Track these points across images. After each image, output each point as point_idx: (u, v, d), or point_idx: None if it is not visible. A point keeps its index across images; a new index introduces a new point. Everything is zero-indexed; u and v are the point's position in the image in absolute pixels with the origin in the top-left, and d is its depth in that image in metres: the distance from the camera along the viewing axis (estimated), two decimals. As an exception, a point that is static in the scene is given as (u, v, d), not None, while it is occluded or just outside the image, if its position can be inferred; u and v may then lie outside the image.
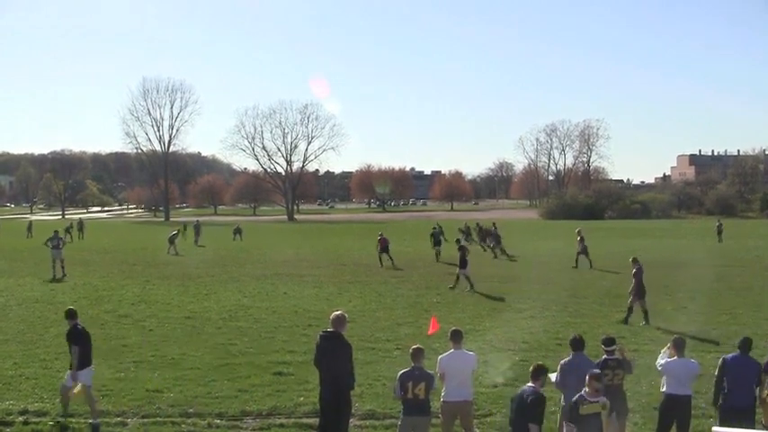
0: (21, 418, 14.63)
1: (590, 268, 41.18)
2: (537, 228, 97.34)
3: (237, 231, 72.91)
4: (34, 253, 47.85)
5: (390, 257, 44.43)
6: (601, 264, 41.94)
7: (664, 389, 12.33)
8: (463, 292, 32.38)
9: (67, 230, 71.98)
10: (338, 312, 12.46)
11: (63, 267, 39.38)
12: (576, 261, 42.34)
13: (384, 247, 45.30)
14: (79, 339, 14.64)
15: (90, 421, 14.31)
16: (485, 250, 51.93)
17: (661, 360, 12.53)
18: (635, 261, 25.93)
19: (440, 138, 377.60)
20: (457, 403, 11.98)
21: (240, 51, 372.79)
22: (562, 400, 12.11)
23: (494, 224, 56.47)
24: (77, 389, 14.54)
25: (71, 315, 14.85)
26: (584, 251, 42.71)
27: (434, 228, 54.14)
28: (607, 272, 39.23)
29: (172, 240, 55.86)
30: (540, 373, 10.91)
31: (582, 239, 43.08)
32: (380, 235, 47.33)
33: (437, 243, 49.24)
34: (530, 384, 10.79)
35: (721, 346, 19.50)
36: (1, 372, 18.19)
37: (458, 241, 39.10)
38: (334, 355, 12.02)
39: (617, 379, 11.91)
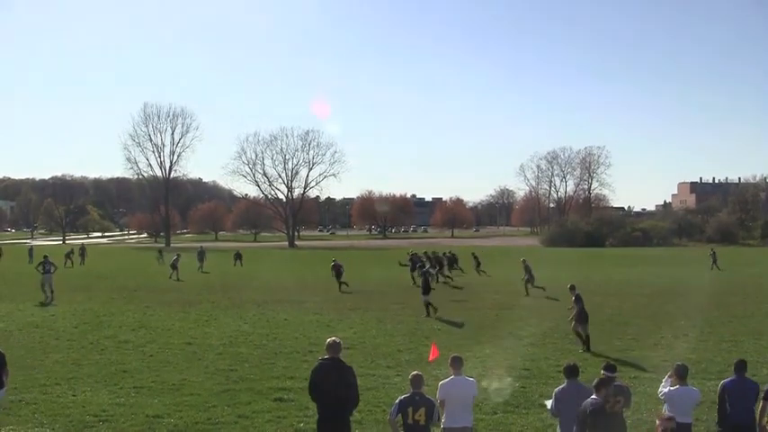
0: (21, 443, 14.64)
1: (525, 295, 41.59)
2: (537, 255, 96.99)
3: (238, 257, 72.95)
4: (35, 278, 47.85)
5: (344, 282, 46.08)
6: (602, 290, 41.98)
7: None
8: (420, 316, 32.89)
9: (68, 256, 72.32)
10: (332, 339, 12.44)
11: (52, 292, 39.78)
12: (526, 289, 42.51)
13: (338, 272, 47.11)
14: None
15: None
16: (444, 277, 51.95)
17: (663, 388, 12.57)
18: (572, 288, 26.24)
19: (441, 165, 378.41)
20: (457, 430, 11.95)
21: (241, 77, 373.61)
22: (558, 429, 12.10)
23: (450, 252, 59.10)
24: None
25: None
26: (531, 280, 43.02)
27: (410, 254, 54.74)
28: (609, 297, 39.29)
29: (174, 265, 56.08)
30: (601, 384, 11.14)
31: (528, 268, 43.44)
32: (334, 261, 49.00)
33: (413, 269, 49.56)
34: (593, 397, 10.95)
35: (723, 374, 19.44)
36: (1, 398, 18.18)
37: (421, 266, 39.41)
38: (336, 379, 11.96)
39: (618, 406, 11.87)
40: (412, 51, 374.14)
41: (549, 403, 12.26)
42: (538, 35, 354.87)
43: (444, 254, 57.71)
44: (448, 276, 51.98)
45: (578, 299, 25.65)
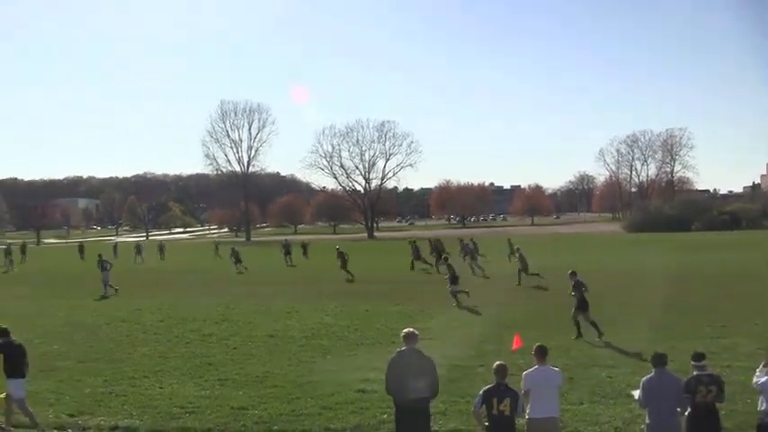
0: (111, 434, 14.88)
1: (517, 284, 41.02)
2: (620, 241, 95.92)
3: (291, 248, 71.88)
4: (118, 274, 48.34)
5: (348, 272, 48.87)
6: (689, 276, 41.32)
7: (762, 407, 12.05)
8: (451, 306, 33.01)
9: (138, 251, 74.69)
10: (409, 329, 12.39)
11: (106, 288, 41.37)
12: (519, 279, 41.97)
13: (343, 262, 49.66)
14: (10, 355, 15.69)
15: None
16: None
17: (758, 378, 12.19)
18: (573, 275, 25.86)
19: (519, 152, 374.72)
20: (543, 420, 11.83)
21: (317, 70, 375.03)
22: (647, 418, 11.93)
23: (471, 240, 59.04)
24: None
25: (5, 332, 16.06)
26: (525, 268, 42.58)
27: (412, 242, 57.03)
28: (696, 283, 38.64)
29: (238, 259, 57.77)
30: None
31: (521, 256, 43.17)
32: (338, 249, 51.73)
33: (416, 257, 53.19)
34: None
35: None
36: (92, 389, 18.55)
37: (446, 258, 40.00)
38: (414, 369, 11.92)
39: (710, 396, 11.60)
40: (488, 37, 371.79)
41: (636, 393, 12.10)
42: (617, 17, 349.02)
43: (466, 242, 57.45)
44: (429, 264, 53.50)
45: (578, 285, 25.34)
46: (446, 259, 39.20)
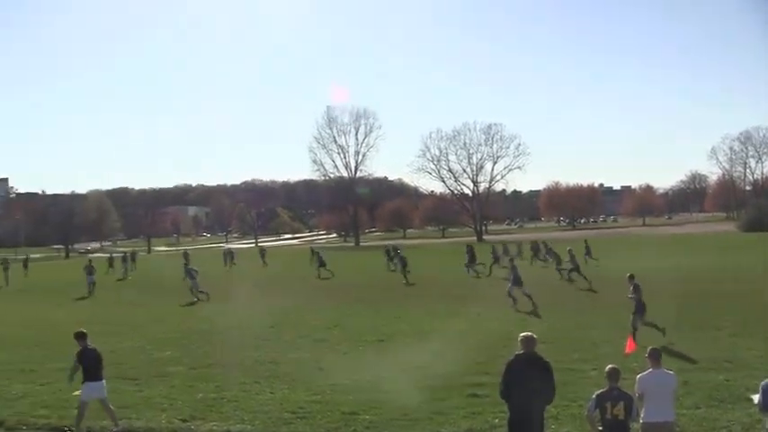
0: (223, 439, 15.04)
1: (561, 279, 42.69)
2: (734, 241, 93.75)
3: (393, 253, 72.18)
4: (227, 280, 49.01)
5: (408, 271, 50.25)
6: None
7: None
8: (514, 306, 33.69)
9: (228, 257, 75.33)
10: (526, 333, 12.25)
11: (201, 292, 42.80)
12: (569, 277, 43.07)
13: (403, 263, 50.81)
14: (82, 359, 16.13)
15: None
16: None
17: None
18: (631, 278, 25.52)
19: (628, 151, 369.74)
20: (658, 424, 11.63)
21: (422, 74, 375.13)
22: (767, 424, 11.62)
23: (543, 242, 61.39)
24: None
25: (83, 336, 16.40)
26: (577, 268, 43.38)
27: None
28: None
29: (322, 262, 58.47)
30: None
31: (573, 257, 44.36)
32: (396, 251, 53.26)
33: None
34: None
35: None
36: (204, 394, 18.77)
37: (511, 260, 40.82)
38: (531, 373, 11.79)
39: None
40: (592, 34, 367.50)
41: (756, 398, 11.78)
42: (717, 10, 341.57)
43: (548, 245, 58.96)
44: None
45: (636, 288, 24.97)
46: (512, 260, 39.57)
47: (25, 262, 79.25)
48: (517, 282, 34.82)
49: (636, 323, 24.44)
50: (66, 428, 16.31)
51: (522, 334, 12.23)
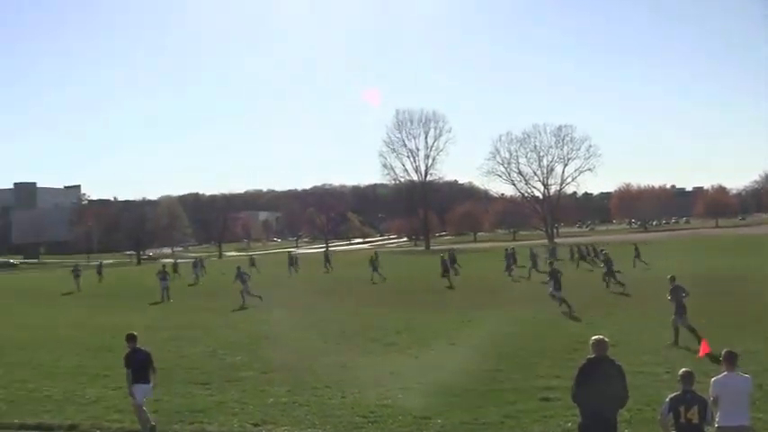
0: (294, 444, 15.12)
1: (606, 288, 41.99)
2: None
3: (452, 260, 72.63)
4: (292, 284, 49.24)
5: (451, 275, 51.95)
6: None
7: None
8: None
9: (292, 262, 74.88)
10: (598, 336, 12.11)
11: (255, 296, 43.58)
12: (607, 283, 43.05)
13: (445, 267, 52.41)
14: (130, 362, 16.43)
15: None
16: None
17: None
18: (672, 279, 25.96)
19: (700, 152, 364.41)
20: (733, 429, 11.43)
21: (491, 76, 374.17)
22: None
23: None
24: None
25: (133, 338, 16.79)
26: (611, 273, 43.59)
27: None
28: None
29: (375, 267, 59.08)
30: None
31: (608, 260, 44.53)
32: (442, 256, 54.36)
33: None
34: None
35: None
36: (276, 398, 18.88)
37: (551, 264, 41.44)
38: (604, 377, 11.67)
39: None
40: (666, 34, 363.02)
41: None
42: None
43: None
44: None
45: (676, 290, 25.21)
46: (551, 264, 39.78)
47: (99, 268, 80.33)
48: (557, 286, 35.54)
49: (677, 324, 24.61)
50: None
51: (593, 337, 12.09)
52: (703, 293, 32.80)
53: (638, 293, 39.14)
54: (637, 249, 61.39)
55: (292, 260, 76.01)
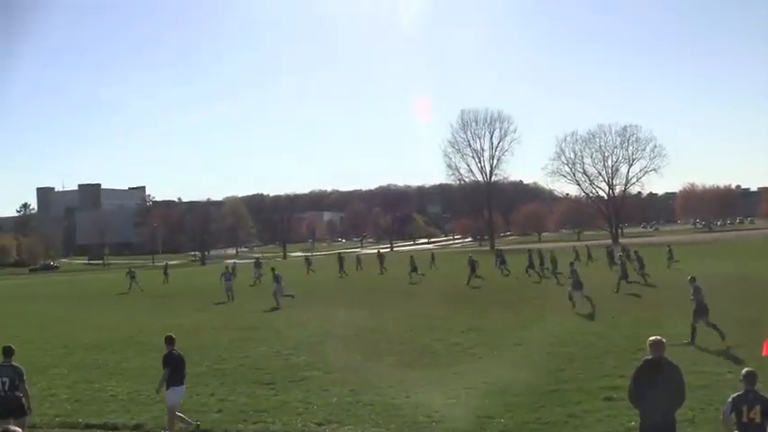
0: (359, 443, 15.23)
1: (615, 292, 41.43)
2: None
3: (341, 264, 73.72)
4: (346, 285, 49.45)
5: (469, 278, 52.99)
6: None
7: None
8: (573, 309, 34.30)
9: (341, 262, 75.20)
10: (655, 337, 12.06)
11: (287, 295, 45.06)
12: (618, 286, 42.86)
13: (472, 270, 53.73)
14: (168, 363, 16.74)
15: None
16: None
17: None
18: (692, 280, 26.36)
19: (766, 151, 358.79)
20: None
21: (558, 76, 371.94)
22: None
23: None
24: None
25: (171, 341, 17.03)
26: (624, 275, 44.07)
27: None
28: None
29: (414, 267, 60.37)
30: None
31: (623, 262, 45.22)
32: (470, 257, 56.56)
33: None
34: None
35: None
36: (340, 398, 19.00)
37: (571, 264, 41.21)
38: (661, 378, 11.65)
39: None
40: (732, 34, 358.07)
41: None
42: None
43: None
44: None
45: (696, 291, 25.63)
46: (571, 264, 40.94)
47: (165, 269, 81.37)
48: (577, 286, 35.98)
49: (695, 323, 24.87)
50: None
51: (650, 338, 12.04)
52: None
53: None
54: (670, 251, 62.44)
55: (357, 260, 76.56)
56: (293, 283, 52.13)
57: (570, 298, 35.85)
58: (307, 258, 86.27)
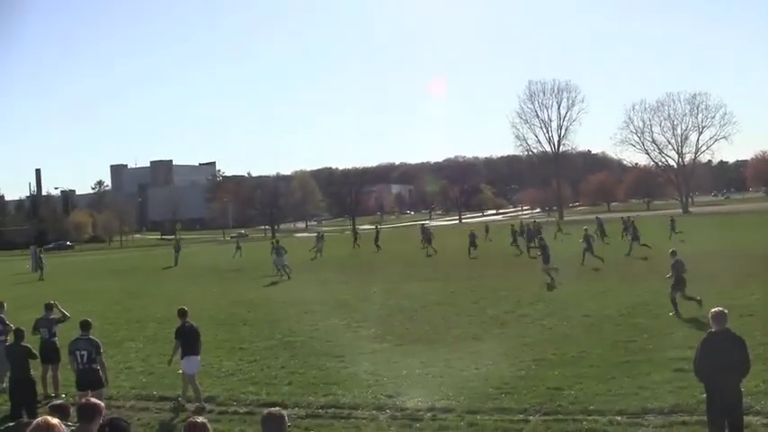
0: (429, 414, 15.28)
1: (581, 263, 42.41)
2: None
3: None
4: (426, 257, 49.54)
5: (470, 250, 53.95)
6: None
7: None
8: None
9: (355, 237, 77.09)
10: (717, 309, 11.97)
11: (281, 270, 47.66)
12: (583, 258, 43.64)
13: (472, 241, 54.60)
14: (179, 335, 17.50)
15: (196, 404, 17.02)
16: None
17: None
18: (673, 254, 26.90)
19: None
20: None
21: (625, 45, 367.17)
22: None
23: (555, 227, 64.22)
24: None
25: (184, 313, 17.90)
26: (590, 248, 44.52)
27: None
28: None
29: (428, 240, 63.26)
30: None
31: (587, 237, 45.33)
32: (471, 231, 56.88)
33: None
34: None
35: None
36: (409, 370, 19.10)
37: (541, 239, 42.02)
38: (724, 350, 11.55)
39: None
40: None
41: None
42: None
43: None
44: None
45: (676, 266, 26.17)
46: (541, 239, 42.21)
47: (238, 242, 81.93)
48: (546, 260, 37.17)
49: (674, 296, 25.41)
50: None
51: (713, 310, 11.97)
52: None
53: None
54: (672, 221, 64.77)
55: (425, 233, 76.71)
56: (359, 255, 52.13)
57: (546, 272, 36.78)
58: (355, 231, 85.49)
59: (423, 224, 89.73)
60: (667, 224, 63.73)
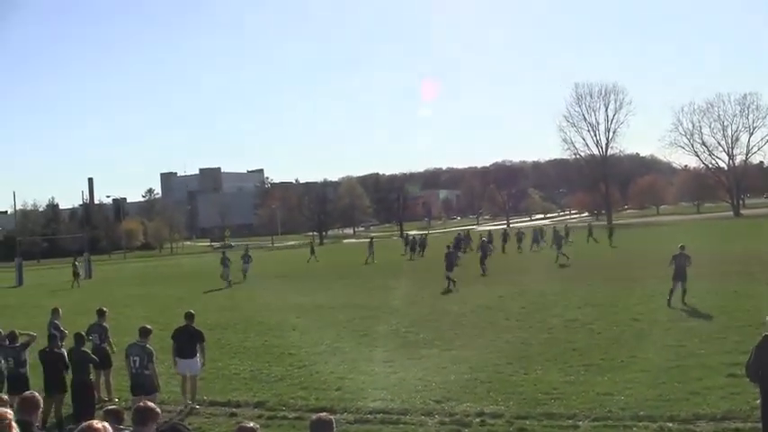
0: (477, 420, 15.25)
1: (555, 261, 45.94)
2: None
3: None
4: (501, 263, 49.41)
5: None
6: None
7: None
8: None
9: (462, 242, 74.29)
10: None
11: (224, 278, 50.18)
12: (557, 258, 46.97)
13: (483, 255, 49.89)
14: (177, 338, 18.43)
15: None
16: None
17: None
18: (682, 248, 30.07)
19: None
20: None
21: (672, 47, 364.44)
22: None
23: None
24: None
25: (188, 317, 18.77)
26: (559, 246, 48.30)
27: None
28: None
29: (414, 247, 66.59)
30: None
31: (556, 235, 49.55)
32: (481, 238, 54.21)
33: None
34: None
35: None
36: (458, 376, 19.05)
37: (447, 247, 44.31)
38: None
39: None
40: None
41: None
42: None
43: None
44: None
45: (678, 257, 29.52)
46: (448, 248, 44.15)
47: (312, 247, 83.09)
48: (450, 267, 40.16)
49: (674, 286, 28.66)
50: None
51: (768, 315, 11.89)
52: None
53: None
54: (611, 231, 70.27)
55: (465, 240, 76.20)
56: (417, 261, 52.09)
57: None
58: (371, 242, 75.15)
59: (459, 233, 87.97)
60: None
